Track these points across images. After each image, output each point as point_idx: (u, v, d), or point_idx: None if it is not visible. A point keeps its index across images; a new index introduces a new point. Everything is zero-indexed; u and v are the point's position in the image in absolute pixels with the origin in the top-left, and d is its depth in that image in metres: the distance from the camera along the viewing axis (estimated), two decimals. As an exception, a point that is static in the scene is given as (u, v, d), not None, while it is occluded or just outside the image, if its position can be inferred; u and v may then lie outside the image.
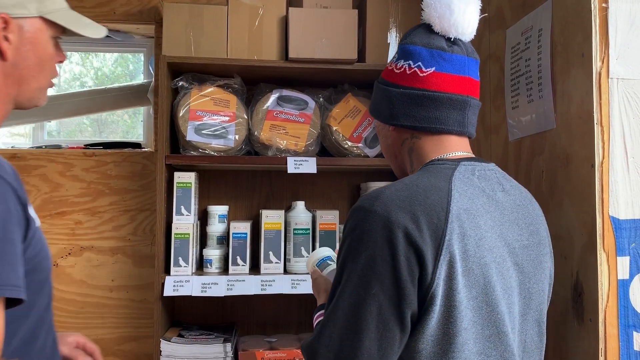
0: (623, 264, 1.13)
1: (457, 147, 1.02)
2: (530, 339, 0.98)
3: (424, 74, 1.00)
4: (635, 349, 1.12)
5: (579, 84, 1.21)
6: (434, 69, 1.00)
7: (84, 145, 2.31)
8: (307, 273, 1.91)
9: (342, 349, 0.86)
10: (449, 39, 1.01)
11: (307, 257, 1.93)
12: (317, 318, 1.07)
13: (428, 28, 1.03)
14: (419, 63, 1.00)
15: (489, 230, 0.92)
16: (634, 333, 1.12)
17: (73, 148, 2.27)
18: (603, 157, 1.14)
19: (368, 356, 0.85)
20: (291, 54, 1.88)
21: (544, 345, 1.01)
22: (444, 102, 0.99)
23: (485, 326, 0.90)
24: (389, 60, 1.09)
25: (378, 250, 0.86)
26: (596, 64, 1.16)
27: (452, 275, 0.86)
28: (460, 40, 1.02)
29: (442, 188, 0.91)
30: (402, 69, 1.02)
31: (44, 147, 2.29)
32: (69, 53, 2.55)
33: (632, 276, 1.13)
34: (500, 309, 0.91)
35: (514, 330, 0.94)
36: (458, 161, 0.99)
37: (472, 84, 1.02)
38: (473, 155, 1.04)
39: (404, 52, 1.03)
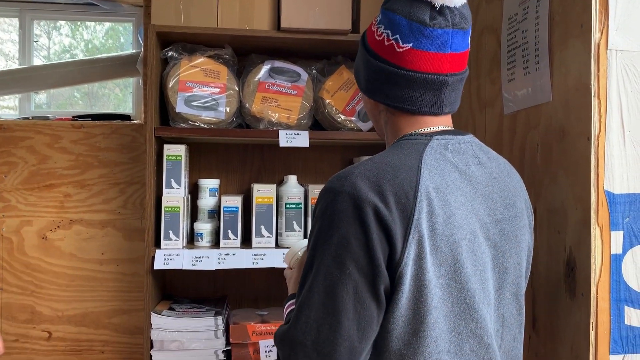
0: (617, 239, 1.12)
1: (432, 123, 0.99)
2: (509, 313, 0.97)
3: (401, 50, 0.94)
4: (626, 323, 1.12)
5: (577, 55, 1.18)
6: (411, 45, 0.94)
7: (72, 116, 2.27)
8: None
9: (319, 333, 0.83)
10: (433, 7, 0.93)
11: (298, 231, 1.92)
12: (289, 307, 1.02)
13: None
14: (397, 36, 0.95)
15: (459, 207, 0.90)
16: (625, 307, 1.12)
17: (61, 119, 2.23)
18: (599, 131, 1.12)
19: (347, 337, 0.83)
20: (283, 24, 1.84)
21: (524, 319, 1.02)
22: (418, 82, 0.95)
23: (455, 304, 0.89)
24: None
25: (350, 230, 0.84)
26: (595, 35, 1.13)
27: (421, 254, 0.85)
28: (448, 7, 0.93)
29: (412, 166, 0.89)
30: (382, 38, 0.97)
31: (30, 118, 2.25)
32: (58, 24, 2.49)
33: (625, 251, 1.12)
34: (470, 285, 0.89)
35: (489, 306, 0.93)
36: (431, 136, 0.96)
37: (454, 59, 0.96)
38: (450, 128, 1.01)
39: (385, 18, 0.97)
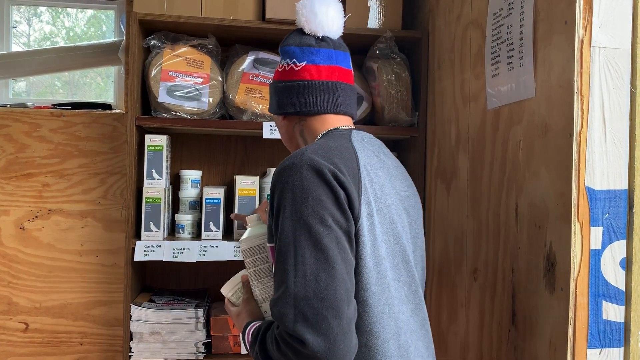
0: (596, 234, 1.13)
1: (339, 123, 1.21)
2: (418, 272, 1.17)
3: (298, 68, 1.19)
4: (603, 317, 1.13)
5: (560, 52, 1.19)
6: (305, 62, 1.19)
7: (52, 105, 2.23)
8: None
9: (319, 282, 0.93)
10: (317, 38, 1.20)
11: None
12: (252, 328, 1.11)
13: (301, 31, 1.22)
14: (294, 59, 1.20)
15: (385, 180, 1.11)
16: (603, 302, 1.13)
17: (40, 107, 2.19)
18: (581, 127, 1.13)
19: (342, 279, 0.94)
20: (268, 14, 1.82)
21: (425, 279, 1.25)
22: (317, 87, 1.18)
23: (394, 256, 1.08)
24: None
25: (320, 191, 0.99)
26: (579, 31, 1.14)
27: (371, 213, 1.04)
28: (329, 37, 1.21)
29: (348, 147, 1.10)
30: (283, 67, 1.21)
31: (8, 105, 2.20)
32: (38, 10, 2.44)
33: (604, 246, 1.13)
34: (402, 241, 1.10)
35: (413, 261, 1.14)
36: (350, 130, 1.19)
37: (341, 71, 1.22)
38: (355, 127, 1.23)
39: (283, 53, 1.22)
